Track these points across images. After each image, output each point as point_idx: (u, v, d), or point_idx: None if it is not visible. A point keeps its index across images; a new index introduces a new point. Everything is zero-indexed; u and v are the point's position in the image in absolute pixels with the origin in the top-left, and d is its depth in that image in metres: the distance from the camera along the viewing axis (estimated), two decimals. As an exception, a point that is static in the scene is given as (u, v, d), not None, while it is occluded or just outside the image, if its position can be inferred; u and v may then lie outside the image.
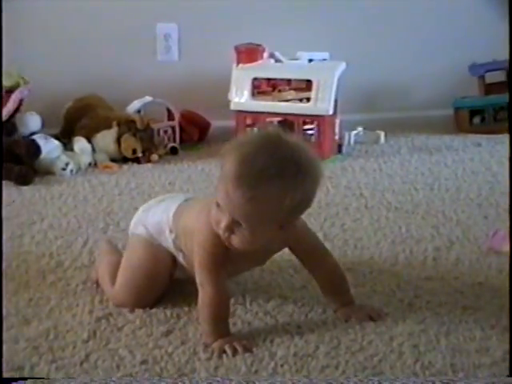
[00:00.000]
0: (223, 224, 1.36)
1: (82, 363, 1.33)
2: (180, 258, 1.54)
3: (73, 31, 2.87)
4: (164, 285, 1.56)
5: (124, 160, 2.67)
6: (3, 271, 1.68)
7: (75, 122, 2.74)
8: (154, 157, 2.67)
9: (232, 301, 1.56)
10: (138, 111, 2.79)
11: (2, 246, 1.78)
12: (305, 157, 1.36)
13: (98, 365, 1.33)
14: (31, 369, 1.31)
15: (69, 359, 1.34)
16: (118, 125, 2.67)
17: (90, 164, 2.60)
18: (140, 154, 2.65)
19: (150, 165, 2.64)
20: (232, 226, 1.36)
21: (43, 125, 2.72)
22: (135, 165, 2.64)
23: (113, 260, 1.64)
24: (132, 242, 1.62)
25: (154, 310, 1.52)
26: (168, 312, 1.52)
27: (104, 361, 1.34)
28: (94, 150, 2.65)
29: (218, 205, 1.37)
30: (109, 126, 2.69)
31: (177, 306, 1.55)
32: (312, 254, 1.54)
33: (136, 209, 2.10)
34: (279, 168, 1.32)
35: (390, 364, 1.34)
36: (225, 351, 1.37)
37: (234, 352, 1.36)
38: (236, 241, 1.38)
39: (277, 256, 1.79)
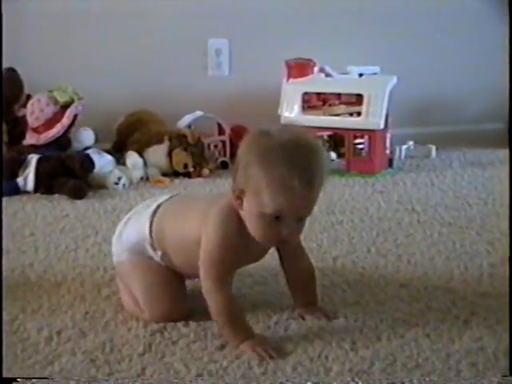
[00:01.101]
0: (287, 230, 1.37)
1: (138, 376, 1.34)
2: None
3: (125, 48, 2.91)
4: (183, 282, 1.58)
5: (175, 174, 2.69)
6: (58, 284, 1.71)
7: (127, 136, 2.78)
8: (205, 171, 2.69)
9: (285, 315, 1.56)
10: (189, 126, 2.82)
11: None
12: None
13: (154, 378, 1.33)
14: (84, 382, 1.33)
15: (126, 372, 1.35)
16: (170, 139, 2.70)
17: (141, 178, 2.64)
18: (191, 169, 2.67)
19: (200, 179, 2.66)
20: (297, 227, 1.40)
21: (96, 140, 2.77)
22: (186, 179, 2.67)
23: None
24: (124, 267, 1.58)
25: (208, 324, 1.52)
26: (222, 326, 1.52)
27: (160, 374, 1.34)
28: (145, 164, 2.68)
29: (263, 215, 1.36)
30: (160, 141, 2.72)
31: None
32: (295, 251, 1.56)
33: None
34: (314, 159, 1.37)
35: (448, 382, 1.32)
36: (259, 354, 1.39)
37: (267, 355, 1.38)
38: (295, 237, 1.44)
39: (329, 271, 1.80)
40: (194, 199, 1.77)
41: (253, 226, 1.40)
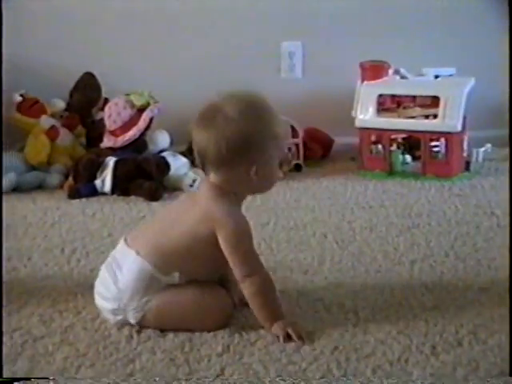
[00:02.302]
0: (281, 173, 1.53)
1: (217, 376, 1.34)
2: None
3: (200, 51, 2.94)
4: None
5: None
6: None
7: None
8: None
9: (363, 318, 1.55)
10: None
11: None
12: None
13: (233, 378, 1.34)
14: (166, 381, 1.34)
15: (204, 372, 1.36)
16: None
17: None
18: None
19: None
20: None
21: (172, 142, 2.79)
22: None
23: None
24: (157, 310, 1.50)
25: (285, 326, 1.52)
26: (299, 328, 1.52)
27: (239, 374, 1.35)
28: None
29: (257, 173, 1.48)
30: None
31: (307, 320, 1.54)
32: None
33: (263, 224, 2.16)
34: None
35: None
36: (289, 335, 1.45)
37: (298, 336, 1.45)
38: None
39: (407, 274, 1.78)
40: (171, 211, 1.65)
41: (268, 180, 1.52)
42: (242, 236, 1.49)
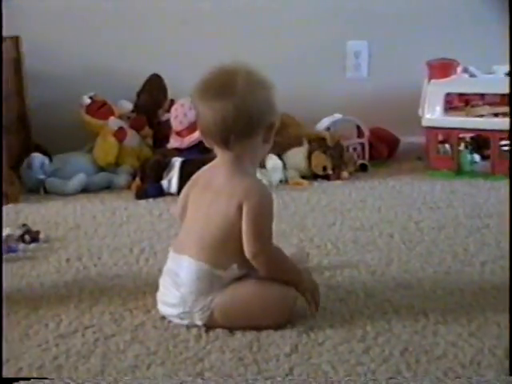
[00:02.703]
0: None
1: (286, 375, 1.34)
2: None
3: (264, 51, 2.94)
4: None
5: (314, 177, 2.70)
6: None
7: (267, 140, 2.80)
8: (344, 174, 2.67)
9: (433, 319, 1.53)
10: (328, 128, 2.82)
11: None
12: None
13: (301, 378, 1.34)
14: (235, 381, 1.34)
15: (273, 372, 1.36)
16: (309, 142, 2.71)
17: (280, 181, 2.66)
18: (330, 171, 2.67)
19: (339, 182, 2.65)
20: None
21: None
22: (325, 182, 2.66)
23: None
24: (224, 307, 1.50)
25: (352, 326, 1.51)
26: (368, 328, 1.51)
27: (308, 375, 1.34)
28: (285, 166, 2.70)
29: (268, 141, 1.51)
30: (300, 144, 2.73)
31: (375, 322, 1.53)
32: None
33: (329, 225, 2.16)
34: None
35: None
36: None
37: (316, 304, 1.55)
38: None
39: (477, 276, 1.75)
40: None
41: (269, 145, 1.53)
42: (265, 209, 1.49)
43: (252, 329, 1.50)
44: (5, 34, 2.73)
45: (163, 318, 1.57)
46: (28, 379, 1.35)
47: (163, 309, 1.56)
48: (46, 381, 1.35)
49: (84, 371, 1.36)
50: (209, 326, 1.51)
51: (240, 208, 1.47)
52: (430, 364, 1.36)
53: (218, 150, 1.52)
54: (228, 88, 1.45)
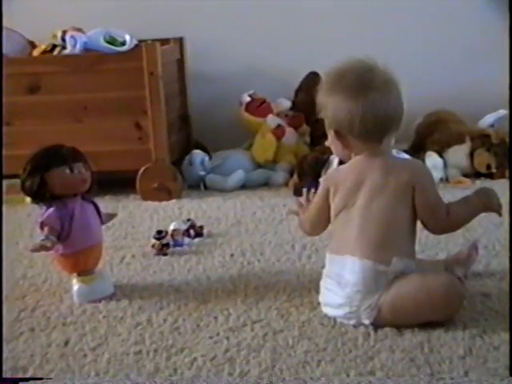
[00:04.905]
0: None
1: (460, 378, 1.30)
2: None
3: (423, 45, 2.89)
4: None
5: (477, 175, 2.61)
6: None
7: (426, 137, 2.75)
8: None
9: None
10: (492, 125, 2.71)
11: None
12: None
13: (475, 380, 1.29)
14: (410, 377, 1.32)
15: (447, 374, 1.32)
16: (472, 139, 2.62)
17: (441, 179, 2.59)
18: (494, 170, 2.57)
19: (503, 180, 2.54)
20: None
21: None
22: (488, 180, 2.57)
23: None
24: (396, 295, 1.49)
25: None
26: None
27: (485, 379, 1.29)
28: (445, 165, 2.63)
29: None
30: (461, 141, 2.65)
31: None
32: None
33: (496, 225, 2.08)
34: None
35: None
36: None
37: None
38: None
39: None
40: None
41: None
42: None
43: (420, 325, 1.48)
44: (169, 35, 2.83)
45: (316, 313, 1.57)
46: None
47: (329, 311, 1.56)
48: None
49: (255, 364, 1.38)
50: (376, 325, 1.50)
51: (410, 193, 1.50)
52: None
53: (358, 146, 1.55)
54: (377, 86, 1.50)
